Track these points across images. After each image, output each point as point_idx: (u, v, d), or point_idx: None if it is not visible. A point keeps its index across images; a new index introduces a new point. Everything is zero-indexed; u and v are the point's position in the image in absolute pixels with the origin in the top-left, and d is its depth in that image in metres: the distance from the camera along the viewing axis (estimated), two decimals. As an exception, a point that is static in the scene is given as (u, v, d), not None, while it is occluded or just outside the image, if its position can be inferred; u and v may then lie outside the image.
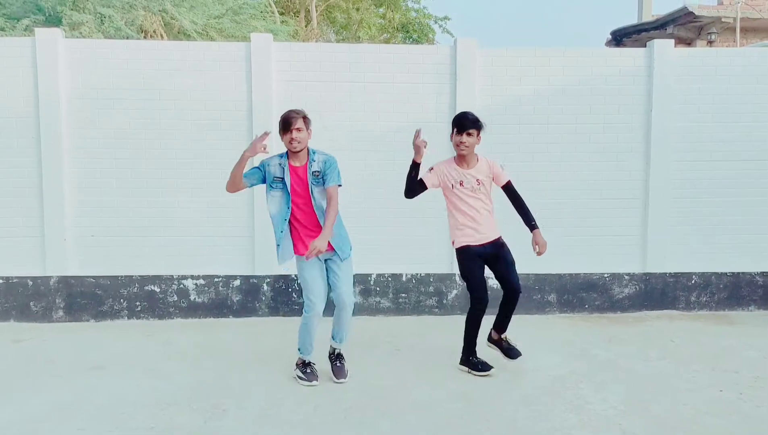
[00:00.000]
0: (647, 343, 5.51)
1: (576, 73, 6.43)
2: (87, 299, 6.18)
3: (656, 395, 4.30)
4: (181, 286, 6.26)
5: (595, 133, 6.44)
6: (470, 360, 4.78)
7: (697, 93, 6.45)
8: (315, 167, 4.45)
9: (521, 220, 4.77)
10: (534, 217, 4.76)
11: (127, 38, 10.79)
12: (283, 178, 4.44)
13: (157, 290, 6.24)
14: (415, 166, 4.65)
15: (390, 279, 6.40)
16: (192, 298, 6.27)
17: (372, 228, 6.34)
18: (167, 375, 4.68)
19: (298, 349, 4.61)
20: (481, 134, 4.67)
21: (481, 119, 4.68)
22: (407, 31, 20.66)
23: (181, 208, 6.24)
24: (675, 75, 6.41)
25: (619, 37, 18.33)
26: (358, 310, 6.34)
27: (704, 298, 6.58)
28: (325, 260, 4.56)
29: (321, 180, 4.45)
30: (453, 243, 4.84)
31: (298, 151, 4.42)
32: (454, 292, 6.41)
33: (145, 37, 12.00)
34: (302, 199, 4.46)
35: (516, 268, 4.81)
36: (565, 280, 6.50)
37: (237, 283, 6.29)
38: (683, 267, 6.56)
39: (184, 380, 4.57)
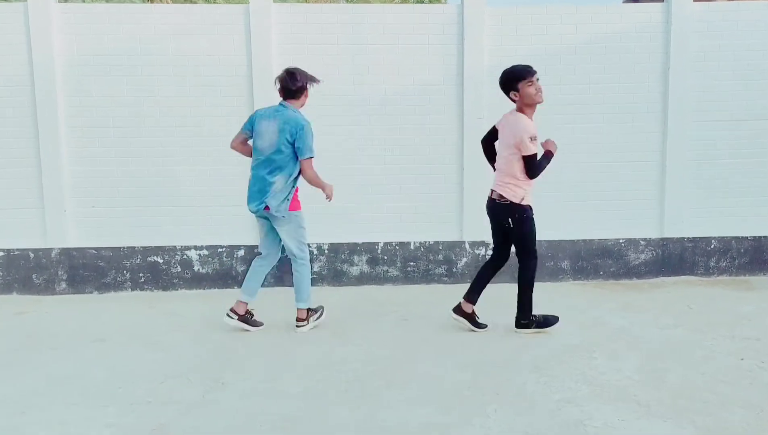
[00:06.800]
0: (664, 310, 5.32)
1: (589, 30, 6.15)
2: (89, 271, 6.08)
3: (672, 364, 4.12)
4: (185, 256, 6.14)
5: (609, 92, 6.19)
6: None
7: (717, 49, 6.17)
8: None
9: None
10: None
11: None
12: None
13: (161, 261, 6.13)
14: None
15: (398, 247, 6.23)
16: (196, 268, 6.15)
17: (378, 196, 6.16)
18: (168, 347, 4.57)
19: None
20: None
21: None
22: (418, -4, 20.19)
23: (182, 177, 6.09)
24: (694, 31, 6.11)
25: (637, -4, 17.81)
26: (365, 279, 6.22)
27: (724, 263, 6.35)
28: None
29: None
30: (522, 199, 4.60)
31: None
32: (464, 260, 6.23)
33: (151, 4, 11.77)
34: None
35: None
36: (578, 246, 6.30)
37: (241, 253, 6.15)
38: (702, 231, 6.34)
39: (185, 353, 4.46)
